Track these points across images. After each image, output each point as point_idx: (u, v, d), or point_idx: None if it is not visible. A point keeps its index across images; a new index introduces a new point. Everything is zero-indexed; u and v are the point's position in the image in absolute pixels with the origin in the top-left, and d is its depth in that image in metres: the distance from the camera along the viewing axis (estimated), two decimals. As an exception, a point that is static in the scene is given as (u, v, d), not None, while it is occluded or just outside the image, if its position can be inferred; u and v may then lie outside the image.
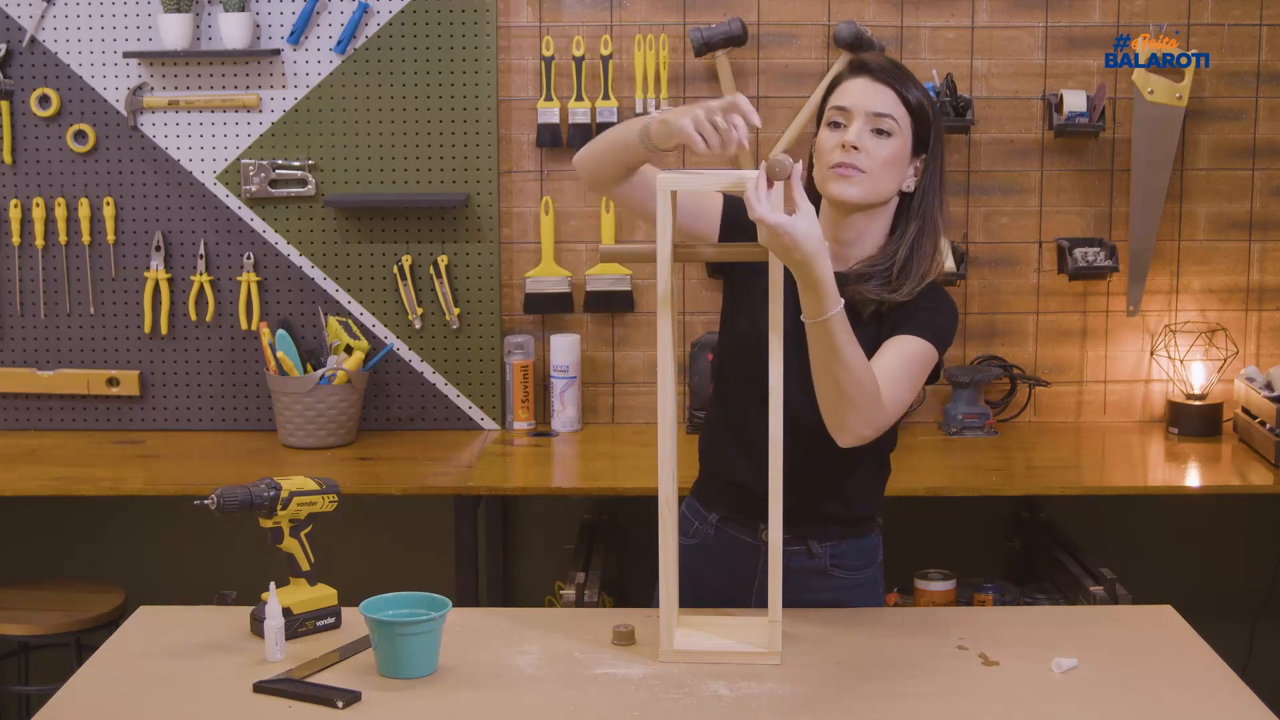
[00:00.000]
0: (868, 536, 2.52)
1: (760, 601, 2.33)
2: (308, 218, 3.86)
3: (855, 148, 2.31)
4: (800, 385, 2.28)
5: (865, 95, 2.34)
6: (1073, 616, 2.59)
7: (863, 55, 2.42)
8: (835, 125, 2.35)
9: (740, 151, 2.32)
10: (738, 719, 2.03)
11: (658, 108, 3.78)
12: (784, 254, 2.11)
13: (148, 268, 3.87)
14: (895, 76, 2.36)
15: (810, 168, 2.40)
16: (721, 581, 2.48)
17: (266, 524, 2.34)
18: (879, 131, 2.33)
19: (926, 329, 2.34)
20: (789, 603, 2.26)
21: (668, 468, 2.18)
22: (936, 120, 2.39)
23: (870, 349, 2.31)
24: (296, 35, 3.78)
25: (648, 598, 2.56)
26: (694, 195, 2.40)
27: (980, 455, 3.65)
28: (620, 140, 2.32)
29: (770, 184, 2.09)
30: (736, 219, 2.37)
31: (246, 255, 3.86)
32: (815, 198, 2.42)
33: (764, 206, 2.08)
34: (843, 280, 2.34)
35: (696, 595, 2.44)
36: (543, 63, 3.81)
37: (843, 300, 2.16)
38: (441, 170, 3.84)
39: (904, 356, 2.31)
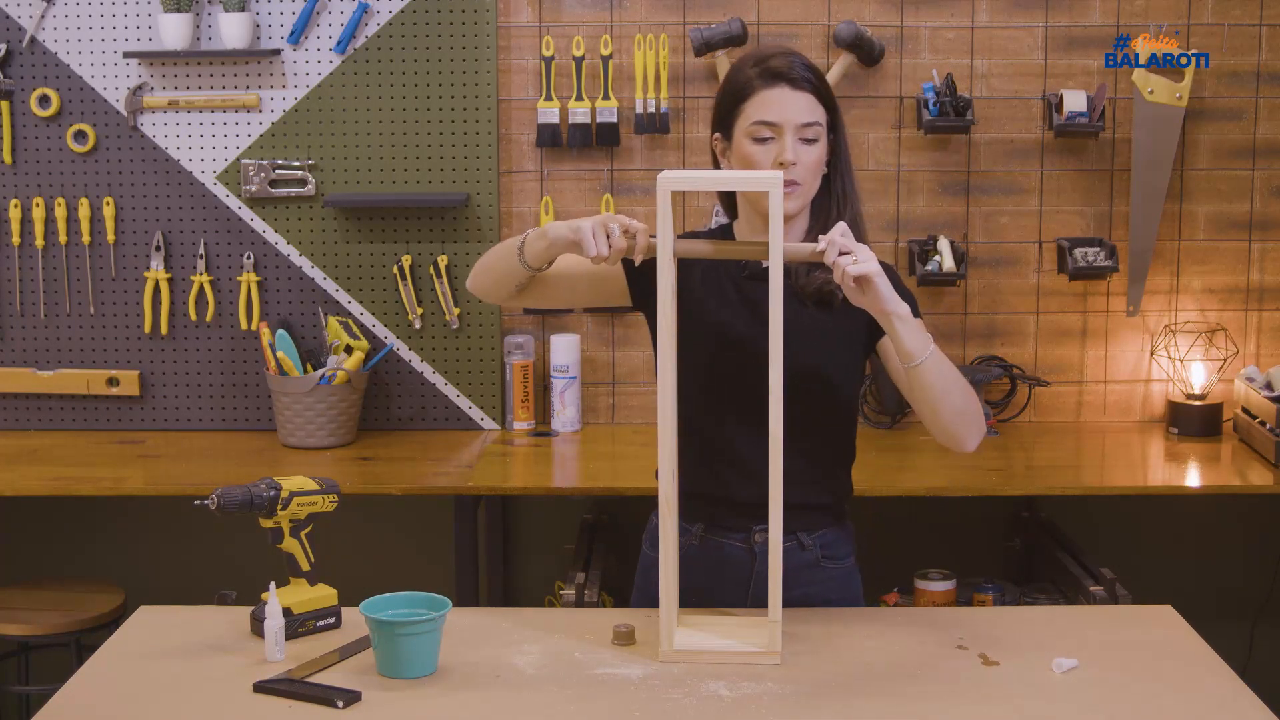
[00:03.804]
0: (845, 524, 2.53)
1: (754, 605, 2.33)
2: (308, 218, 3.86)
3: (793, 163, 2.31)
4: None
5: (792, 108, 2.31)
6: (1073, 616, 2.59)
7: (770, 60, 2.34)
8: (762, 140, 2.33)
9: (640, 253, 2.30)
10: (738, 719, 2.03)
11: (658, 108, 3.79)
12: (880, 302, 2.16)
13: (148, 268, 3.87)
14: (806, 74, 2.33)
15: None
16: (711, 591, 2.44)
17: (266, 524, 2.34)
18: (806, 140, 2.32)
19: (915, 309, 2.36)
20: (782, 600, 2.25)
21: (668, 468, 2.18)
22: (833, 96, 2.38)
23: (857, 329, 2.37)
24: (296, 35, 3.78)
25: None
26: (590, 271, 2.40)
27: (980, 455, 3.61)
28: (502, 260, 2.36)
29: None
30: (639, 278, 2.41)
31: (246, 255, 3.86)
32: (731, 203, 2.47)
33: (865, 264, 2.14)
34: (799, 272, 2.35)
35: (686, 606, 2.42)
36: (543, 63, 3.81)
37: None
38: (441, 170, 3.84)
39: None
